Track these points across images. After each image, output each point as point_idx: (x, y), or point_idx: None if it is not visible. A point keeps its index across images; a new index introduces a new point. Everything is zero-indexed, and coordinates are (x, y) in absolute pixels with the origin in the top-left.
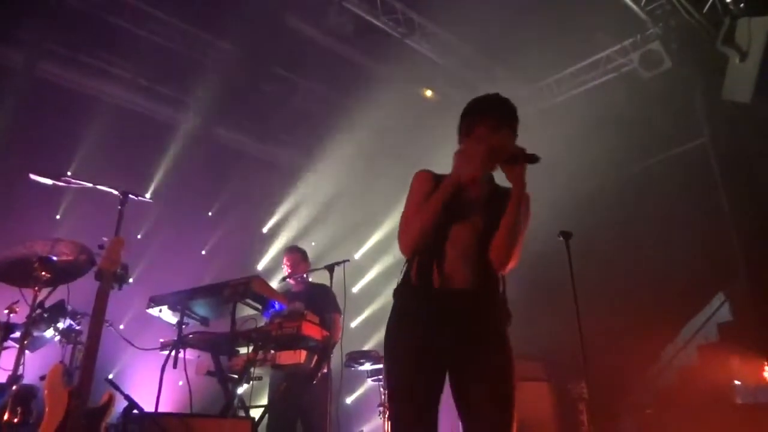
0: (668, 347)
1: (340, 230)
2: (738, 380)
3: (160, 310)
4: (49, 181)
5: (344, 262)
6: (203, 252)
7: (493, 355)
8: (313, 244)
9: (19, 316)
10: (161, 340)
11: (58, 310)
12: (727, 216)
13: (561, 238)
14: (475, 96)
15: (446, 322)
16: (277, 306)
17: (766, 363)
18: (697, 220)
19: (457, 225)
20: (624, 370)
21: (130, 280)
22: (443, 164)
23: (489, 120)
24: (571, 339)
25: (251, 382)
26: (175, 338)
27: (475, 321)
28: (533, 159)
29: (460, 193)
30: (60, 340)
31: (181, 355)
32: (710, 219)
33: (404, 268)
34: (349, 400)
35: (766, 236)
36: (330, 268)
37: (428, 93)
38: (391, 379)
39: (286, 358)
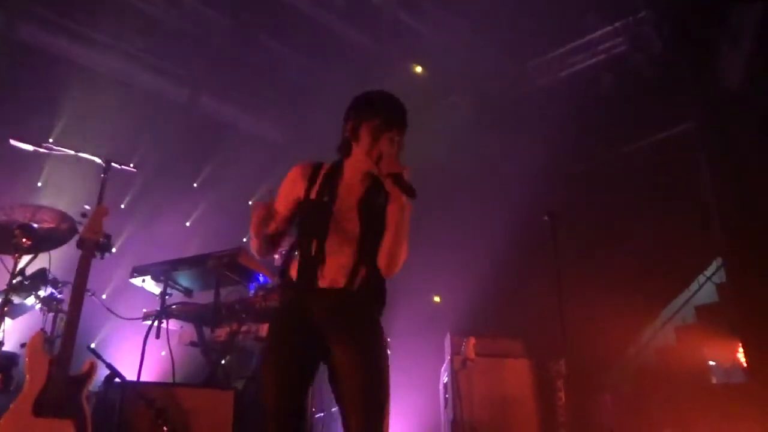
0: (647, 328)
1: None
2: (713, 361)
3: (143, 281)
4: (30, 147)
5: None
6: (188, 223)
7: (361, 344)
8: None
9: None
10: (144, 310)
11: (40, 278)
12: (710, 201)
13: (547, 219)
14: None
15: (320, 316)
16: (261, 279)
17: (740, 345)
18: (680, 204)
19: (334, 232)
20: (603, 349)
21: (113, 250)
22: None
23: (380, 123)
24: (551, 318)
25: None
26: (158, 309)
27: (345, 313)
28: (410, 193)
29: (335, 197)
30: (41, 308)
31: (164, 325)
32: (693, 203)
33: (283, 265)
34: (329, 380)
35: (747, 222)
36: None
37: (418, 69)
38: (263, 370)
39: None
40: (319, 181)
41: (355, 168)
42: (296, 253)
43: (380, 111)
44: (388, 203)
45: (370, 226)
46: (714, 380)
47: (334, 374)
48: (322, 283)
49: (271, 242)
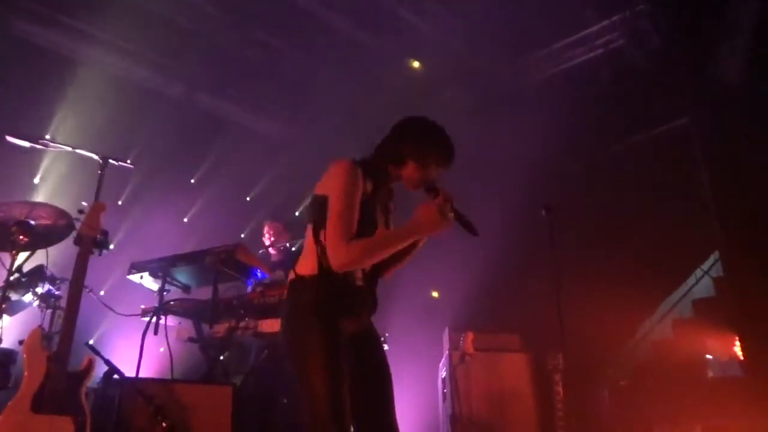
0: (644, 322)
1: None
2: (710, 355)
3: (141, 277)
4: (26, 144)
5: None
6: (185, 219)
7: (376, 347)
8: (296, 214)
9: None
10: (142, 306)
11: (37, 275)
12: (708, 195)
13: (544, 213)
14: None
15: (357, 315)
16: (259, 274)
17: (737, 338)
18: (678, 198)
19: (366, 230)
20: (601, 343)
21: (111, 246)
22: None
23: (444, 163)
24: (549, 312)
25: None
26: (156, 305)
27: (366, 314)
28: (475, 232)
29: (374, 205)
30: (39, 305)
31: (162, 321)
32: (690, 198)
33: (316, 259)
34: None
35: (744, 216)
36: None
37: (415, 64)
38: (316, 360)
39: (268, 326)
40: (365, 183)
41: (393, 181)
42: None
43: (447, 147)
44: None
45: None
46: (711, 374)
47: (363, 384)
48: (364, 281)
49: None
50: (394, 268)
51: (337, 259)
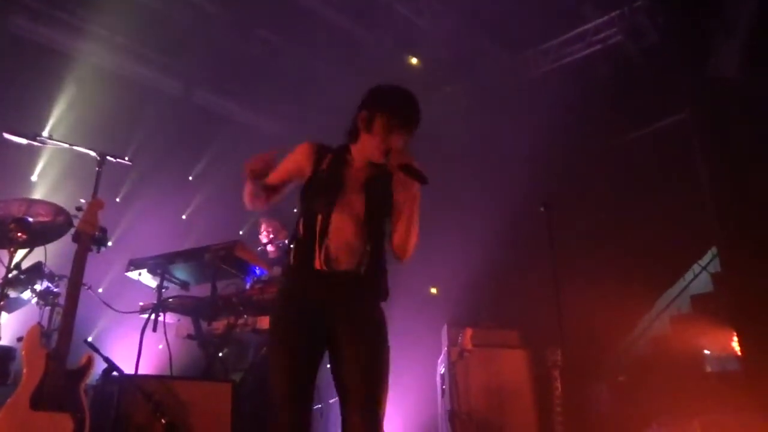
0: (643, 318)
1: None
2: (708, 350)
3: (140, 274)
4: (24, 141)
5: None
6: (184, 216)
7: (365, 333)
8: (295, 210)
9: None
10: (141, 303)
11: (36, 272)
12: (705, 190)
13: (543, 209)
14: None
15: (326, 301)
16: (258, 271)
17: (734, 334)
18: (676, 194)
19: (339, 209)
20: (599, 339)
21: (109, 243)
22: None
23: (393, 120)
24: (548, 308)
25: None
26: (155, 302)
27: (351, 300)
28: (423, 180)
29: (335, 179)
30: (38, 302)
31: (161, 318)
32: (688, 193)
33: (291, 250)
34: (329, 365)
35: (742, 211)
36: None
37: (413, 60)
38: (271, 354)
39: (267, 323)
40: (327, 161)
41: (362, 155)
42: (300, 233)
43: (397, 108)
44: (393, 191)
45: (373, 207)
46: (708, 369)
47: (338, 366)
48: (329, 264)
49: (262, 191)
50: (397, 239)
51: None
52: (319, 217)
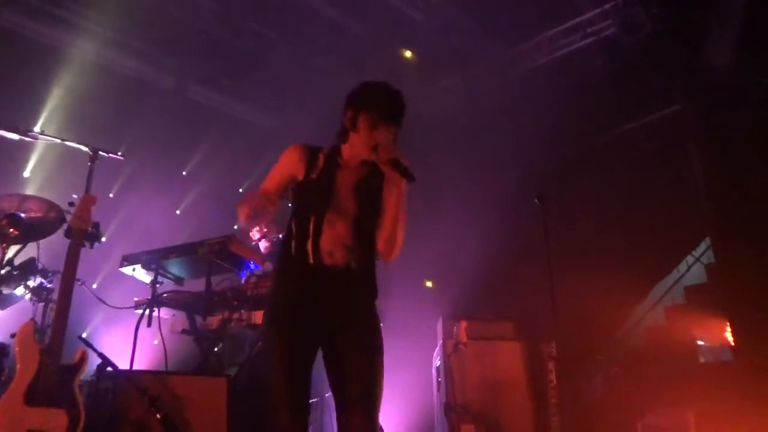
0: (637, 309)
1: None
2: (702, 340)
3: (134, 269)
4: (15, 136)
5: None
6: (178, 211)
7: (362, 331)
8: (290, 205)
9: None
10: (135, 298)
11: (29, 268)
12: (699, 181)
13: (537, 201)
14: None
15: (321, 298)
16: (252, 266)
17: (728, 324)
18: (670, 185)
19: (332, 210)
20: (594, 330)
21: (103, 239)
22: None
23: (379, 116)
24: (542, 300)
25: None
26: (149, 297)
27: (346, 298)
28: (410, 177)
29: (328, 181)
30: (31, 299)
31: (155, 313)
32: (683, 184)
33: (284, 248)
34: (324, 359)
35: (736, 202)
36: None
37: (408, 54)
38: (268, 350)
39: (262, 317)
40: (318, 163)
41: (353, 154)
42: (293, 232)
43: (379, 104)
44: (384, 189)
45: (366, 207)
46: (702, 359)
47: (334, 363)
48: (323, 259)
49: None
50: (383, 236)
51: None
52: (313, 217)
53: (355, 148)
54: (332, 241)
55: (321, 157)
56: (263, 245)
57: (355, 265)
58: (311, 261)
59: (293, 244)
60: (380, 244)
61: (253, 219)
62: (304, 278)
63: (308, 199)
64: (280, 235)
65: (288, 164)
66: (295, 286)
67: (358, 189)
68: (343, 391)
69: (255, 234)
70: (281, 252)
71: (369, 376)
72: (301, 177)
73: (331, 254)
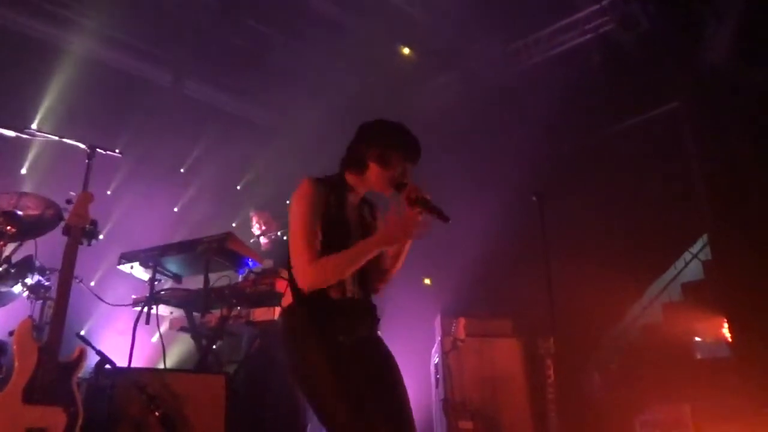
0: (634, 306)
1: None
2: (699, 337)
3: (132, 267)
4: (12, 134)
5: None
6: (176, 209)
7: (382, 353)
8: (287, 202)
9: None
10: (133, 296)
11: (26, 266)
12: (697, 178)
13: (535, 198)
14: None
15: (350, 327)
16: (251, 263)
17: (725, 321)
18: (668, 182)
19: (336, 243)
20: (591, 327)
21: (101, 237)
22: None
23: (406, 155)
24: (540, 297)
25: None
26: (148, 295)
27: (369, 329)
28: (445, 218)
29: (344, 216)
30: (29, 296)
31: (153, 311)
32: (680, 181)
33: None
34: None
35: (733, 199)
36: None
37: (406, 51)
38: (322, 388)
39: (260, 314)
40: (331, 198)
41: (364, 186)
42: None
43: (410, 144)
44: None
45: None
46: (698, 355)
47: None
48: (346, 294)
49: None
50: (386, 276)
51: (306, 281)
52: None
53: (371, 182)
54: (356, 276)
55: (331, 191)
56: (263, 241)
57: (368, 298)
58: (334, 295)
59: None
60: (383, 276)
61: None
62: (331, 312)
63: (332, 237)
64: (279, 233)
65: (319, 204)
66: (326, 317)
67: (362, 225)
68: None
69: (256, 230)
70: (304, 295)
71: (387, 388)
72: (327, 215)
73: (351, 288)
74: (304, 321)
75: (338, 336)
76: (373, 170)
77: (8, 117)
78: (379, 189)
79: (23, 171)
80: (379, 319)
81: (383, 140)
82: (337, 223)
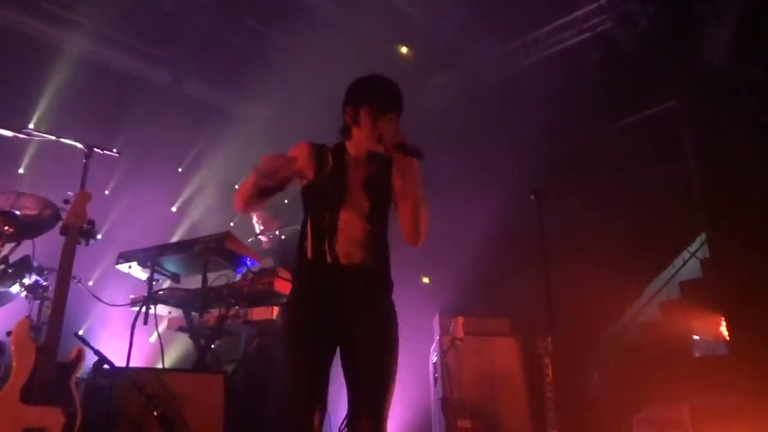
0: (632, 304)
1: None
2: (697, 335)
3: (130, 267)
4: (9, 133)
5: None
6: (174, 208)
7: (377, 326)
8: (285, 201)
9: None
10: (131, 296)
11: (24, 266)
12: (694, 177)
13: (533, 197)
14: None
15: (338, 294)
16: (249, 263)
17: (723, 319)
18: (665, 180)
19: (346, 208)
20: (589, 326)
21: (99, 236)
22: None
23: (376, 110)
24: (538, 296)
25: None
26: (146, 294)
27: (363, 295)
28: (419, 155)
29: (345, 174)
30: (26, 296)
31: (151, 311)
32: (678, 180)
33: (299, 247)
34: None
35: (731, 198)
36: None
37: (404, 50)
38: (287, 351)
39: (259, 314)
40: (327, 161)
41: (358, 149)
42: (308, 232)
43: (377, 95)
44: (395, 178)
45: (378, 204)
46: (697, 354)
47: (350, 358)
48: (340, 259)
49: (261, 195)
50: (408, 221)
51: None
52: (327, 215)
53: (359, 143)
54: (348, 239)
55: (329, 154)
56: (264, 240)
57: (371, 262)
58: (328, 260)
59: (309, 245)
60: (406, 231)
61: (269, 176)
62: (322, 277)
63: (322, 199)
64: (277, 232)
65: (298, 159)
66: (312, 285)
67: (369, 185)
68: (358, 398)
69: (257, 227)
70: (298, 253)
71: (383, 387)
72: (311, 175)
73: (347, 253)
74: (293, 282)
75: (311, 308)
76: (355, 133)
77: (6, 116)
78: (370, 147)
79: (21, 171)
80: (391, 284)
81: (352, 101)
82: (331, 184)
